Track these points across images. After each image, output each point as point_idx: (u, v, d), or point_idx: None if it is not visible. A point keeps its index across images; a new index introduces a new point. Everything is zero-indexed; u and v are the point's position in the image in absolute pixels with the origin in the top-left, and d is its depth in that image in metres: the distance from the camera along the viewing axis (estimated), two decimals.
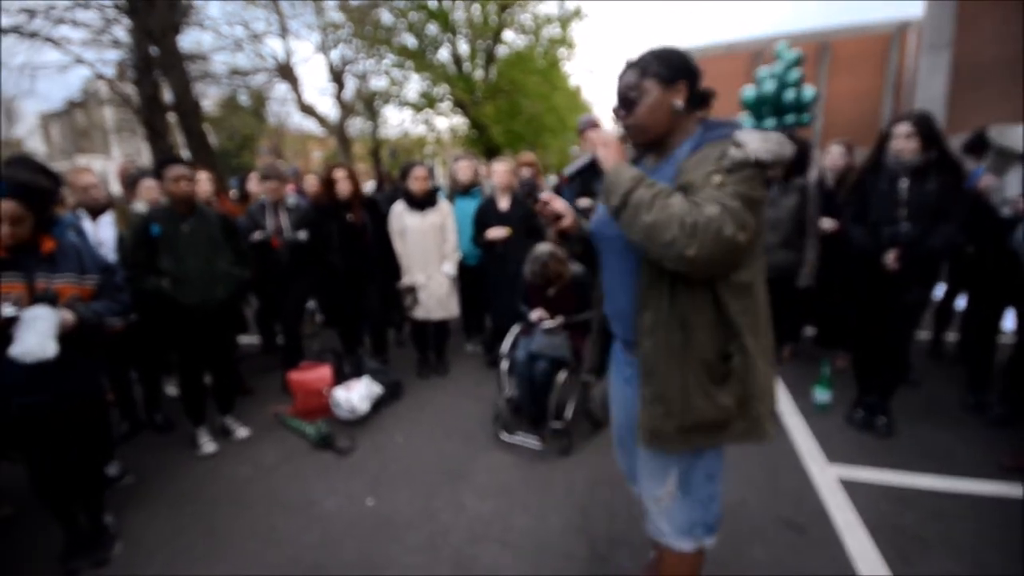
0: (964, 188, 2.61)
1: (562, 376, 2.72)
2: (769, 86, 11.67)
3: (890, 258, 2.53)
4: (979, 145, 3.11)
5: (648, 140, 1.28)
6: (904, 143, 2.46)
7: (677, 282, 1.17)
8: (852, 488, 2.32)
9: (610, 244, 1.35)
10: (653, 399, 1.24)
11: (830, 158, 3.61)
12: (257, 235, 3.36)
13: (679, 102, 1.22)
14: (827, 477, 2.41)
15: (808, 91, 11.74)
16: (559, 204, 1.41)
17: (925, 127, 2.45)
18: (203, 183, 3.56)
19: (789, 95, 11.64)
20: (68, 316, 1.79)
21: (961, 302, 3.56)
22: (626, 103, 1.26)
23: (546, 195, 1.41)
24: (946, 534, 2.02)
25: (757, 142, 1.11)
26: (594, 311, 1.61)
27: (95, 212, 2.87)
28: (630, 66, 1.26)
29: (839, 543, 1.99)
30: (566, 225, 1.43)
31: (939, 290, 3.56)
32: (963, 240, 2.85)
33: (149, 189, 3.36)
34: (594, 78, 66.69)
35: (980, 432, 2.75)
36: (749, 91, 12.20)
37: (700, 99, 1.25)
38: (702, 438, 1.25)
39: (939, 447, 2.63)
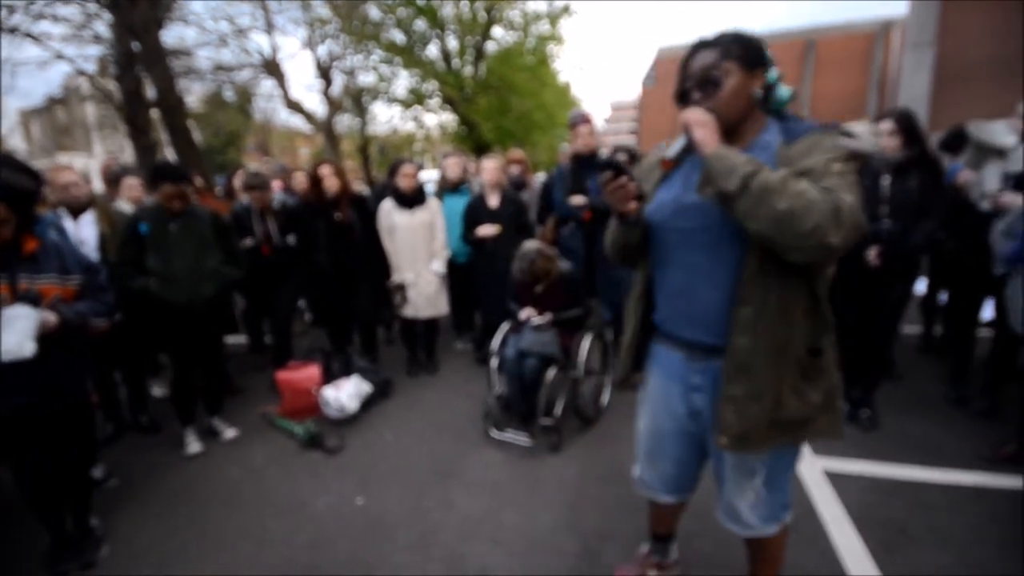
0: (943, 184, 2.66)
1: (551, 373, 2.72)
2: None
3: (871, 255, 2.57)
4: (957, 141, 3.17)
5: (720, 127, 1.16)
6: (886, 140, 2.50)
7: (784, 274, 1.11)
8: (837, 480, 2.36)
9: (687, 237, 1.23)
10: (748, 397, 1.17)
11: None
12: (248, 242, 3.33)
13: (759, 90, 1.17)
14: (813, 470, 2.45)
15: (785, 90, 12.01)
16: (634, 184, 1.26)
17: (907, 124, 2.49)
18: None
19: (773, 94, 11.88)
20: (50, 317, 1.76)
21: (944, 296, 3.62)
22: (705, 85, 1.16)
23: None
24: (930, 525, 2.06)
25: (868, 135, 1.14)
26: (631, 308, 1.46)
27: (76, 211, 2.82)
28: (705, 46, 1.17)
29: (825, 535, 2.02)
30: (633, 208, 1.27)
31: (920, 285, 3.62)
32: (943, 236, 2.90)
33: (131, 187, 3.31)
34: (583, 75, 66.79)
35: (963, 424, 2.81)
36: None
37: (768, 90, 1.20)
38: (786, 436, 1.22)
39: (922, 439, 2.68)
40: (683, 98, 1.22)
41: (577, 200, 3.43)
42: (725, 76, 1.14)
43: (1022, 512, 2.09)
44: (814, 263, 1.08)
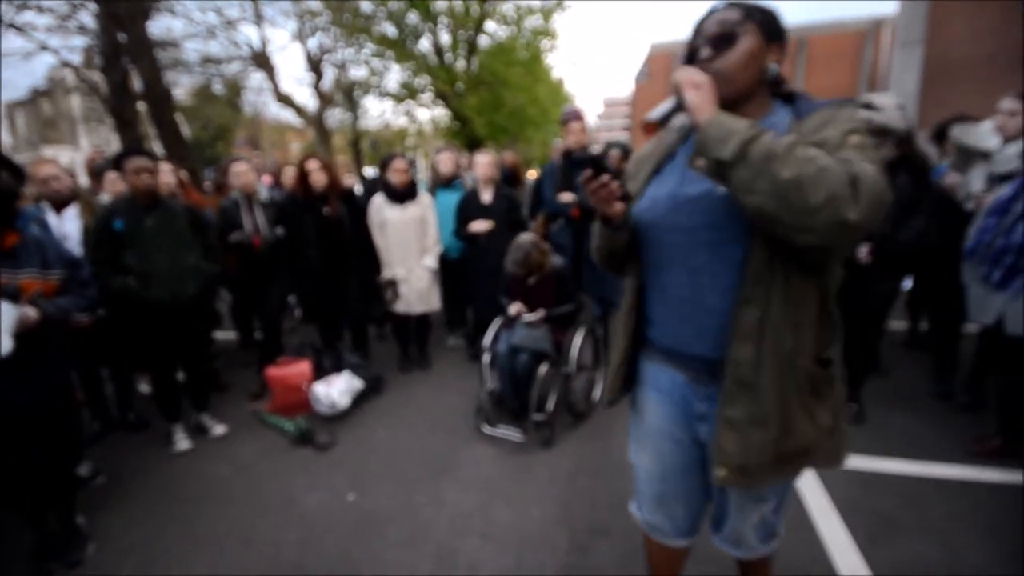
0: (931, 182, 2.69)
1: (543, 369, 2.73)
2: None
3: (863, 252, 2.60)
4: (942, 136, 3.21)
5: (722, 97, 0.99)
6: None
7: (792, 270, 0.97)
8: (824, 473, 2.38)
9: (689, 236, 1.07)
10: (749, 421, 1.01)
11: None
12: (236, 236, 3.28)
13: (775, 65, 1.05)
14: None
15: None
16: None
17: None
18: (165, 174, 3.42)
19: None
20: (31, 313, 1.73)
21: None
22: (720, 41, 1.01)
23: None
24: (914, 517, 2.10)
25: (894, 109, 0.98)
26: (621, 322, 1.26)
27: (58, 205, 2.77)
28: (730, 5, 1.05)
29: (812, 527, 2.05)
30: (620, 210, 1.11)
31: (907, 282, 3.66)
32: (934, 233, 2.93)
33: (113, 181, 3.25)
34: (577, 71, 66.64)
35: (947, 419, 2.85)
36: None
37: (777, 75, 1.08)
38: (792, 468, 1.07)
39: (908, 433, 2.71)
40: (691, 58, 1.07)
41: (565, 197, 3.43)
42: (744, 35, 1.00)
43: (1004, 504, 2.13)
44: (828, 248, 0.91)
